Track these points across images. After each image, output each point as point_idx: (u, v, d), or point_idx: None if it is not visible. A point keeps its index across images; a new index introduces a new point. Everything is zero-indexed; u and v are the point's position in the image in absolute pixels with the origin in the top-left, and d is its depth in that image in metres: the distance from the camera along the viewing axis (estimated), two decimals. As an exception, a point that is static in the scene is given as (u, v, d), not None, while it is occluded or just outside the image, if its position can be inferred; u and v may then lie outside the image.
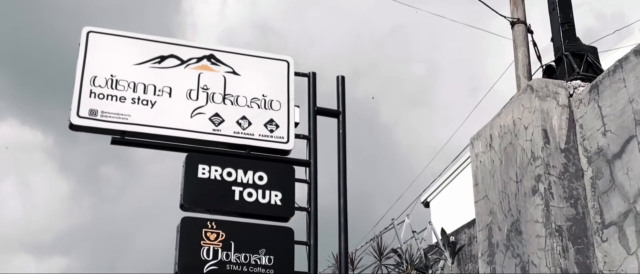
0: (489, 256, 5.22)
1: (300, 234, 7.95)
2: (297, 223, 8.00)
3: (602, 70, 5.41)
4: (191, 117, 8.10)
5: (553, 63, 5.91)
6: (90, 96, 7.89)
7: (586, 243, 4.83)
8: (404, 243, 9.72)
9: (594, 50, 5.82)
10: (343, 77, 8.82)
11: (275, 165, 8.15)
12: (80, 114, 7.79)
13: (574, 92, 5.19)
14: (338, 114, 8.61)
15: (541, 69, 6.31)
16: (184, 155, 7.94)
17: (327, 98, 8.78)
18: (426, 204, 13.61)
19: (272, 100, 8.43)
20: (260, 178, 7.97)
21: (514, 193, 5.10)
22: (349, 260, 8.16)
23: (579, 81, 5.28)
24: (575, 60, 5.64)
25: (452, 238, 9.85)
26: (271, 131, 8.26)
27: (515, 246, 5.02)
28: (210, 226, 7.66)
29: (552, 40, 5.99)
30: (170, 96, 8.16)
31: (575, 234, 4.82)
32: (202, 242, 7.56)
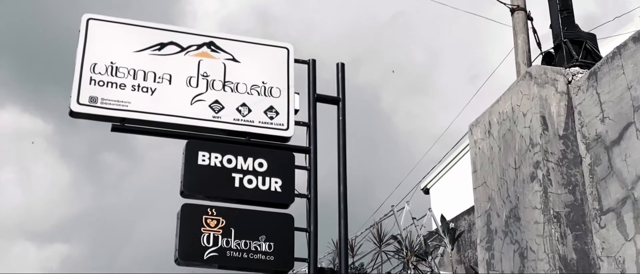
0: (488, 242, 5.25)
1: (301, 221, 7.98)
2: (297, 210, 8.03)
3: (600, 57, 5.42)
4: (191, 104, 8.11)
5: (552, 50, 5.91)
6: (90, 83, 7.90)
7: (584, 229, 4.85)
8: (404, 229, 9.75)
9: (592, 37, 5.82)
10: (343, 64, 8.82)
11: (275, 151, 8.17)
12: (80, 101, 7.80)
13: (572, 78, 5.20)
14: (338, 101, 8.61)
15: (540, 56, 6.32)
16: (184, 142, 7.96)
17: (327, 85, 8.79)
18: (426, 191, 13.63)
19: (272, 87, 8.44)
20: (260, 164, 7.98)
21: (512, 180, 5.12)
22: (349, 247, 8.18)
23: (577, 68, 5.29)
24: (574, 47, 5.65)
25: (451, 225, 9.88)
26: (271, 118, 8.28)
27: (513, 232, 5.05)
28: (210, 213, 7.68)
29: (550, 27, 5.99)
30: (170, 83, 8.16)
31: (574, 221, 4.84)
32: (202, 229, 7.58)
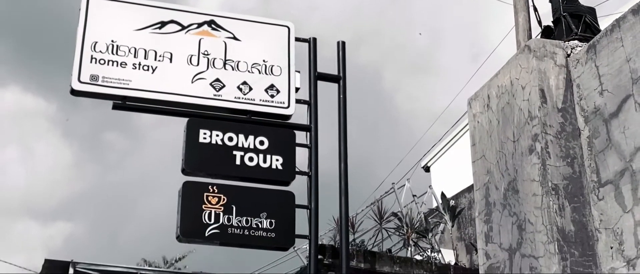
0: (486, 215, 5.27)
1: (302, 199, 8.00)
2: (299, 187, 8.07)
3: (600, 31, 5.42)
4: (192, 82, 8.12)
5: (551, 24, 5.91)
6: (91, 61, 7.92)
7: (582, 202, 4.87)
8: (405, 207, 9.79)
9: (592, 11, 5.82)
10: (343, 42, 8.82)
11: (276, 129, 8.19)
12: (82, 79, 7.82)
13: (571, 52, 5.20)
14: (339, 79, 8.62)
15: (540, 32, 6.31)
16: (185, 120, 7.98)
17: (327, 66, 8.78)
18: (426, 169, 13.66)
19: (272, 66, 8.44)
20: (261, 142, 8.01)
21: (511, 153, 5.14)
22: (349, 224, 8.22)
23: (576, 41, 5.29)
24: (573, 20, 5.65)
25: (452, 202, 9.91)
26: (272, 96, 8.29)
27: (512, 205, 5.07)
28: (211, 190, 7.72)
29: (550, 1, 5.98)
30: (171, 61, 8.18)
31: (572, 193, 4.86)
32: (203, 206, 7.61)
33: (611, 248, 4.73)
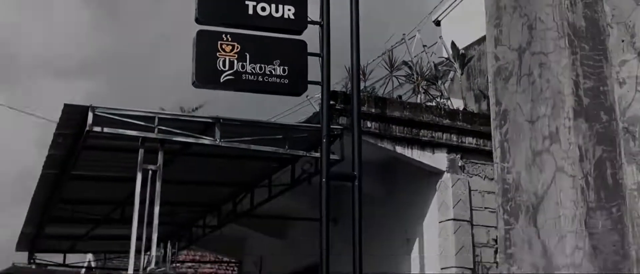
0: (496, 19, 5.35)
1: (314, 50, 8.06)
2: (311, 38, 8.14)
3: None
4: None
5: None
6: None
7: (594, -2, 4.93)
8: (415, 56, 9.91)
9: None
10: None
11: (288, -21, 8.22)
12: None
13: None
14: None
15: None
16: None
17: None
18: (437, 23, 13.68)
19: None
20: (273, -8, 8.06)
21: (523, -46, 5.18)
22: (361, 72, 8.34)
23: None
24: None
25: (462, 51, 10.01)
26: (282, -52, 8.28)
27: (523, 6, 5.14)
28: (225, 39, 7.84)
29: None
30: None
31: (584, -11, 4.92)
32: (218, 54, 7.75)
33: (622, 41, 4.82)
